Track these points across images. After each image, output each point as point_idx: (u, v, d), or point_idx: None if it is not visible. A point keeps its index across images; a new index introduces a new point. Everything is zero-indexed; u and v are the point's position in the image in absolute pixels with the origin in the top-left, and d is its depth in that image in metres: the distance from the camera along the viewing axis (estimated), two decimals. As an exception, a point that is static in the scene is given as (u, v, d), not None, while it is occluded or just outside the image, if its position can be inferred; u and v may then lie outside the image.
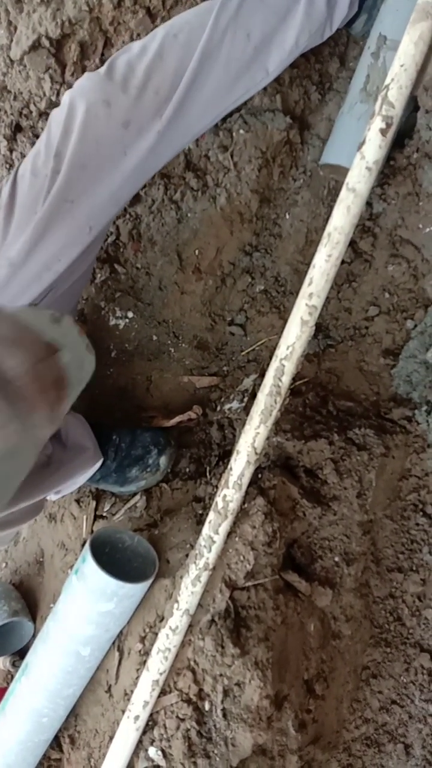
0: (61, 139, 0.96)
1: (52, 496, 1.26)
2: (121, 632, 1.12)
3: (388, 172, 1.26)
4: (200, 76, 0.98)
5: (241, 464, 0.98)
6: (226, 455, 1.29)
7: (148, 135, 0.98)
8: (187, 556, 1.05)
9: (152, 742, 1.05)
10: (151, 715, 1.05)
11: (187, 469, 1.34)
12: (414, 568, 1.17)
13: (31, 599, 1.47)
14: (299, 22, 1.04)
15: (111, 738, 1.09)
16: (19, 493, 1.07)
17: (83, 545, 1.10)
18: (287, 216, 1.35)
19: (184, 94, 0.98)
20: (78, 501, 1.37)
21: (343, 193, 0.89)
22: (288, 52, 1.05)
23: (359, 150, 0.89)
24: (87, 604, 1.05)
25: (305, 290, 0.92)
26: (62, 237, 0.98)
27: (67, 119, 0.97)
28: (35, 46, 1.23)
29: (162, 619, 1.06)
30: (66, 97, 1.00)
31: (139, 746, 1.06)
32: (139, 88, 0.96)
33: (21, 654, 1.42)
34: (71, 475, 1.21)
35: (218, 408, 1.39)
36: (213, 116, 1.06)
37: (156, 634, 1.05)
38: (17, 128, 1.32)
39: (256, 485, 1.11)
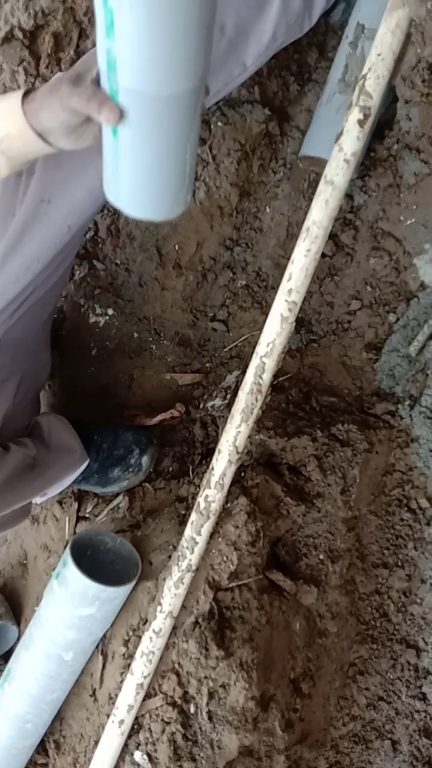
0: None
1: (37, 499, 1.24)
2: (104, 636, 1.11)
3: (368, 163, 1.24)
4: None
5: (222, 464, 0.96)
6: (209, 453, 1.28)
7: None
8: (170, 557, 1.04)
9: (138, 746, 1.04)
10: (136, 718, 1.04)
11: (170, 468, 1.32)
12: (399, 564, 1.17)
13: (15, 602, 1.45)
14: (276, 14, 1.01)
15: (96, 742, 1.08)
16: (7, 496, 1.05)
17: (66, 547, 1.09)
18: (268, 209, 1.33)
19: None
20: (60, 502, 1.35)
21: (321, 186, 0.87)
22: (266, 46, 1.03)
23: (337, 141, 0.87)
24: (68, 608, 1.03)
25: (284, 286, 0.90)
26: (40, 238, 0.96)
27: None
28: (8, 38, 1.20)
29: (145, 621, 1.04)
30: None
31: (125, 750, 1.05)
32: None
33: (5, 658, 1.40)
34: (58, 477, 1.19)
35: (201, 405, 1.37)
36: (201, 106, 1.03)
37: (139, 637, 1.03)
38: (-10, 122, 1.28)
39: (238, 484, 1.09)
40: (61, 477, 1.20)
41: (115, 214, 1.32)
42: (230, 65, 1.01)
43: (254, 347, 0.94)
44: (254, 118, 1.23)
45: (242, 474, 1.12)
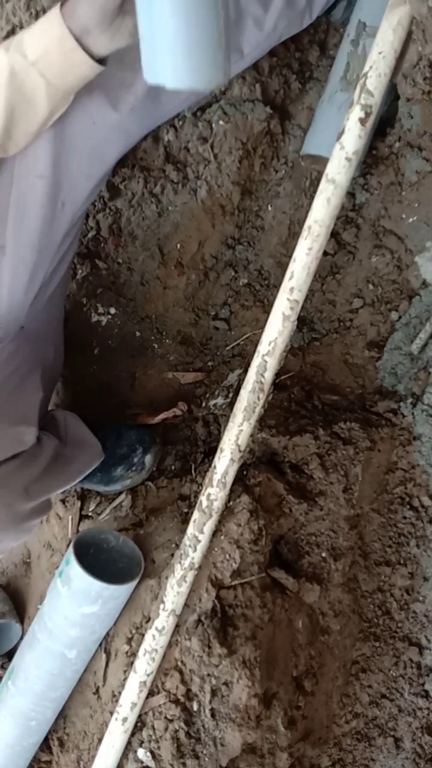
0: None
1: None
2: (107, 634, 1.11)
3: (370, 161, 1.24)
4: None
5: (224, 462, 0.97)
6: (211, 452, 1.28)
7: (121, 107, 0.95)
8: (172, 555, 1.04)
9: (141, 744, 1.04)
10: (139, 716, 1.04)
11: (173, 467, 1.32)
12: (402, 562, 1.17)
13: (19, 600, 1.46)
14: (278, 5, 1.02)
15: (100, 740, 1.08)
16: (40, 488, 1.06)
17: (69, 545, 1.09)
18: (269, 208, 1.33)
19: None
20: (63, 501, 1.35)
21: (323, 184, 0.87)
22: (264, 36, 1.03)
23: (338, 140, 0.87)
24: (71, 606, 1.03)
25: (286, 284, 0.91)
26: (37, 215, 0.97)
27: None
28: (9, 37, 1.20)
29: (148, 619, 1.05)
30: None
31: (128, 748, 1.06)
32: None
33: (9, 656, 1.41)
34: (80, 472, 1.19)
35: (203, 404, 1.37)
36: (187, 93, 1.03)
37: (143, 635, 1.04)
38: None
39: (241, 482, 1.09)
40: (83, 471, 1.20)
41: (117, 213, 1.32)
42: None
43: (256, 346, 0.94)
44: (256, 116, 1.23)
45: (244, 472, 1.12)
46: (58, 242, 1.01)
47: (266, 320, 0.93)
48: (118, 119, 0.96)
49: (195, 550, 0.99)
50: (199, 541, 0.99)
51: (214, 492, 0.97)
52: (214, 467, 0.98)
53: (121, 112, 0.95)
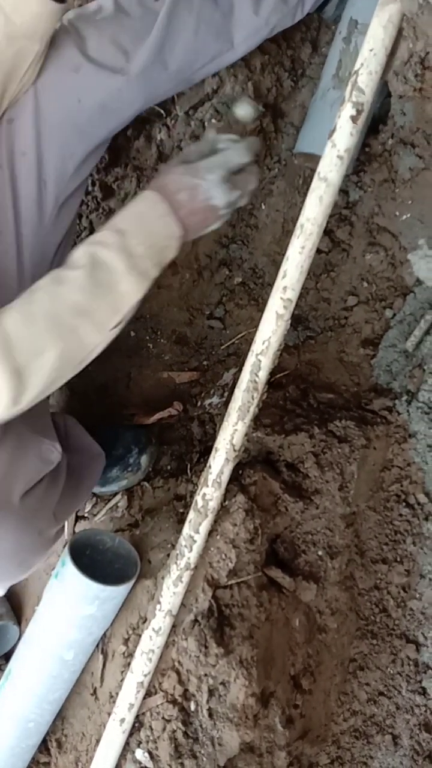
0: None
1: None
2: (104, 635, 1.11)
3: (363, 158, 1.24)
4: (169, 34, 0.95)
5: (219, 462, 0.96)
6: (207, 451, 1.27)
7: (110, 87, 0.95)
8: (168, 556, 1.04)
9: (139, 744, 1.04)
10: (137, 716, 1.04)
11: (169, 467, 1.32)
12: (398, 559, 1.17)
13: (16, 602, 1.46)
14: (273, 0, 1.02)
15: (98, 741, 1.08)
16: (64, 509, 1.06)
17: (65, 546, 1.09)
18: (263, 206, 1.33)
19: (153, 48, 0.95)
20: (59, 502, 1.35)
21: (315, 182, 0.87)
22: (256, 29, 1.03)
23: (330, 138, 0.86)
24: (68, 608, 1.03)
25: (279, 283, 0.90)
26: (25, 194, 0.95)
27: None
28: None
29: (145, 620, 1.04)
30: None
31: (126, 748, 1.05)
32: (90, 37, 0.93)
33: (6, 658, 1.41)
34: (92, 487, 1.20)
35: (199, 403, 1.37)
36: (176, 81, 1.03)
37: (139, 635, 1.04)
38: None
39: (236, 482, 1.09)
40: (94, 485, 1.20)
41: (110, 212, 1.31)
42: (221, 39, 1.02)
43: (251, 344, 0.94)
44: (248, 114, 1.23)
45: (240, 472, 1.12)
46: (48, 228, 0.99)
47: (261, 319, 0.93)
48: (106, 99, 0.94)
49: (191, 550, 0.99)
50: (194, 541, 0.98)
51: (209, 492, 0.97)
52: (210, 467, 0.98)
53: (110, 92, 0.94)
